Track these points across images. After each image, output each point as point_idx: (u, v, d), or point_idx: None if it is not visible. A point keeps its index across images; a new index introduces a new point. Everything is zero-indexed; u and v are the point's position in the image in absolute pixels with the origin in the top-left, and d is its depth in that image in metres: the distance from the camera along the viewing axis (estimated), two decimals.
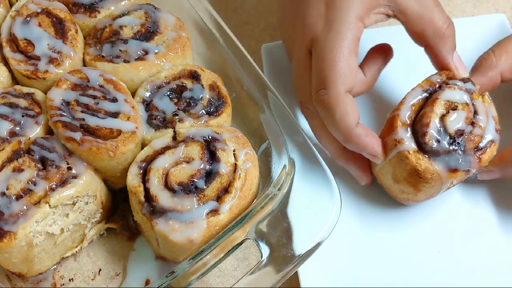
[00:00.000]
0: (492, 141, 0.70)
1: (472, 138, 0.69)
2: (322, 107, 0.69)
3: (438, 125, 0.68)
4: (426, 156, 0.68)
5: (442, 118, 0.69)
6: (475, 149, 0.69)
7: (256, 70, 0.74)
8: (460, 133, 0.68)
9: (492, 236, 0.75)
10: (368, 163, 0.75)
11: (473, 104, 0.71)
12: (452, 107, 0.70)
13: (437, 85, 0.72)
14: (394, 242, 0.75)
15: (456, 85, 0.71)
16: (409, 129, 0.69)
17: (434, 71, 0.76)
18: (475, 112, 0.70)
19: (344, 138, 0.69)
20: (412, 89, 0.73)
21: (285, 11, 0.81)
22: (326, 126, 0.71)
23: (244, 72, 0.75)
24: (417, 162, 0.68)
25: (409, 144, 0.68)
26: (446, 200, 0.78)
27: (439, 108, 0.69)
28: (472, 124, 0.69)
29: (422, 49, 0.75)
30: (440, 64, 0.75)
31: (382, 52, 0.78)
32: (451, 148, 0.68)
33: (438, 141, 0.68)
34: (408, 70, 0.83)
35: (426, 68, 0.76)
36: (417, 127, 0.70)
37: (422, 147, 0.69)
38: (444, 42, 0.73)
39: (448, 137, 0.68)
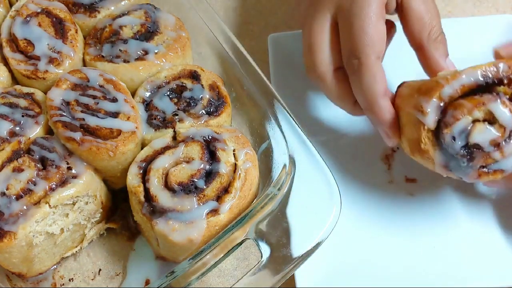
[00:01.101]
0: (502, 170, 0.65)
1: (487, 158, 0.64)
2: (353, 73, 0.70)
3: (465, 127, 0.63)
4: (435, 141, 0.65)
5: (474, 122, 0.64)
6: (481, 166, 0.65)
7: (256, 70, 0.74)
8: (478, 147, 0.64)
9: (489, 234, 0.75)
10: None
11: None
12: (490, 120, 0.64)
13: (500, 75, 0.64)
14: (390, 242, 0.75)
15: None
16: (441, 105, 0.64)
17: None
18: (509, 138, 0.64)
19: (367, 105, 0.70)
20: (472, 68, 0.64)
21: None
22: (344, 93, 0.73)
23: (244, 72, 0.75)
24: (424, 138, 0.65)
25: (430, 120, 0.64)
26: (446, 200, 0.78)
27: (479, 112, 0.63)
28: (497, 146, 0.64)
29: None
30: (431, 68, 0.73)
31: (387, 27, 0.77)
32: (460, 153, 0.64)
33: (454, 139, 0.63)
34: (409, 68, 0.83)
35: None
36: (447, 111, 0.64)
37: (437, 131, 0.65)
38: (438, 46, 0.72)
39: (464, 143, 0.63)
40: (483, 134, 0.63)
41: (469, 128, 0.63)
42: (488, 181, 0.68)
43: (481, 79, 0.63)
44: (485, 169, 0.64)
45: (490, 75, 0.64)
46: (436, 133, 0.65)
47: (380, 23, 0.69)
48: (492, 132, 0.63)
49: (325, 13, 0.74)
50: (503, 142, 0.64)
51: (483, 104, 0.63)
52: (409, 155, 0.70)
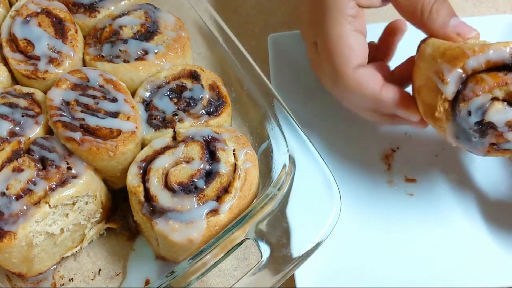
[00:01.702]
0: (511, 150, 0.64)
1: (499, 138, 0.62)
2: (340, 95, 0.73)
3: (483, 104, 0.61)
4: (451, 111, 0.63)
5: (493, 100, 0.61)
6: (492, 143, 0.63)
7: (256, 70, 0.74)
8: (492, 126, 0.62)
9: (488, 234, 0.75)
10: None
11: None
12: (510, 100, 0.61)
13: None
14: (389, 242, 0.75)
15: None
16: (463, 76, 0.62)
17: None
18: None
19: (375, 106, 0.71)
20: (502, 44, 0.61)
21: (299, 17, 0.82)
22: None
23: (244, 72, 0.75)
24: (439, 107, 0.63)
25: (449, 90, 0.62)
26: (446, 200, 0.78)
27: (499, 91, 0.61)
28: (511, 127, 0.62)
29: None
30: (441, 38, 0.70)
31: (396, 26, 0.78)
32: (473, 128, 0.62)
33: (469, 114, 0.61)
34: None
35: None
36: (468, 84, 0.62)
37: (454, 101, 0.63)
38: (435, 16, 0.69)
39: (480, 119, 0.61)
40: (500, 114, 0.61)
41: (487, 105, 0.61)
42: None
43: (509, 57, 0.61)
44: (495, 146, 0.63)
45: None
46: (453, 103, 0.63)
47: (352, 37, 0.70)
48: (510, 113, 0.61)
49: (309, 42, 0.77)
50: None
51: (505, 83, 0.61)
52: (422, 115, 0.68)
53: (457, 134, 0.64)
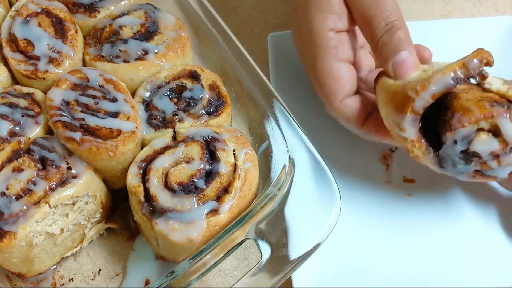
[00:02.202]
0: (495, 177, 0.64)
1: (483, 166, 0.63)
2: (334, 117, 0.76)
3: (469, 133, 0.61)
4: (427, 146, 0.64)
5: (478, 130, 0.62)
6: (477, 171, 0.64)
7: (256, 70, 0.74)
8: (477, 155, 0.62)
9: (488, 234, 0.75)
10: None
11: None
12: (495, 131, 0.62)
13: (473, 73, 0.61)
14: (388, 242, 0.75)
15: None
16: (417, 117, 0.63)
17: None
18: (510, 150, 0.62)
19: (358, 134, 0.75)
20: (440, 72, 0.62)
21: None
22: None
23: (244, 72, 0.75)
24: (410, 148, 0.65)
25: (410, 134, 0.63)
26: (444, 200, 0.78)
27: (486, 123, 0.61)
28: (495, 156, 0.62)
29: (438, 47, 0.76)
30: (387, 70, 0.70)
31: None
32: (458, 156, 0.63)
33: (455, 142, 0.62)
34: None
35: None
36: (454, 114, 0.62)
37: (426, 132, 0.64)
38: (380, 49, 0.69)
39: (465, 148, 0.62)
40: (485, 145, 0.61)
41: (472, 136, 0.62)
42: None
43: (452, 82, 0.61)
44: (479, 172, 0.64)
45: (462, 76, 0.61)
46: (427, 134, 0.64)
47: (335, 68, 0.72)
48: (494, 145, 0.61)
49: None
50: (503, 155, 0.62)
51: (491, 116, 0.61)
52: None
53: (440, 163, 0.64)
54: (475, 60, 0.61)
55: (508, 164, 0.63)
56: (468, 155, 0.63)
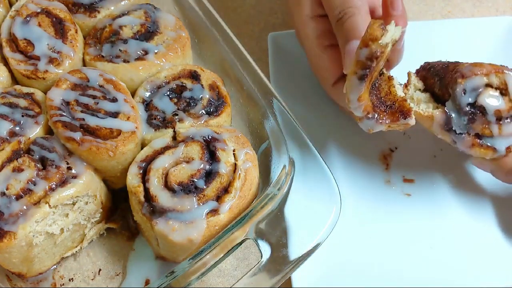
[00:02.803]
0: (494, 148, 0.67)
1: (486, 127, 0.65)
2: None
3: (479, 86, 0.64)
4: (435, 100, 0.67)
5: (486, 86, 0.65)
6: (477, 135, 0.67)
7: (256, 70, 0.74)
8: (483, 111, 0.65)
9: (486, 234, 0.75)
10: None
11: None
12: (503, 91, 0.65)
13: (369, 64, 0.60)
14: (387, 242, 0.75)
15: None
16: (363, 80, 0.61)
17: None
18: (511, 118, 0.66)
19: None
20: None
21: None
22: None
23: (244, 72, 0.75)
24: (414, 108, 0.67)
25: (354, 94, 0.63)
26: (443, 200, 0.78)
27: (495, 77, 0.65)
28: (498, 119, 0.65)
29: (438, 47, 0.75)
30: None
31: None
32: (465, 108, 0.64)
33: (464, 92, 0.64)
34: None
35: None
36: (466, 65, 0.66)
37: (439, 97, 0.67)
38: (339, 28, 0.70)
39: (472, 101, 0.64)
40: (492, 99, 0.64)
41: (481, 90, 0.64)
42: (477, 161, 0.70)
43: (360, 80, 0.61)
44: (479, 140, 0.66)
45: (361, 71, 0.61)
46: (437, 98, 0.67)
47: (322, 57, 0.75)
48: (500, 101, 0.64)
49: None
50: (505, 120, 0.65)
51: (502, 72, 0.64)
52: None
53: (445, 121, 0.66)
54: (363, 50, 0.59)
55: (508, 135, 0.65)
56: (474, 111, 0.65)
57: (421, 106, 0.69)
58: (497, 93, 0.65)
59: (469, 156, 0.72)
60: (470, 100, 0.64)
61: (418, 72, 0.74)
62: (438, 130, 0.68)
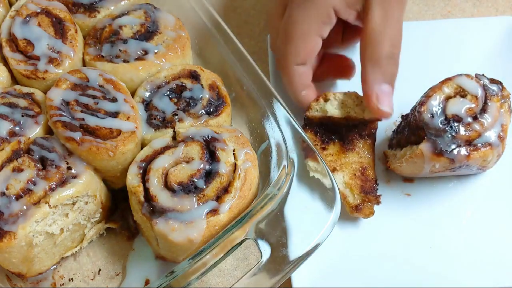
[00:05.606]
0: (489, 144, 0.69)
1: (468, 130, 0.68)
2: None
3: (439, 102, 0.69)
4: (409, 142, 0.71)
5: (446, 99, 0.70)
6: (467, 143, 0.69)
7: (256, 70, 0.74)
8: (457, 119, 0.68)
9: (485, 235, 0.75)
10: None
11: (485, 103, 0.70)
12: (461, 93, 0.70)
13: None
14: (386, 242, 0.75)
15: (476, 77, 0.71)
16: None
17: (451, 70, 0.74)
18: (484, 111, 0.70)
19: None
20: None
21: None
22: None
23: (244, 72, 0.75)
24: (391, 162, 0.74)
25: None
26: (443, 201, 0.78)
27: (448, 88, 0.70)
28: (475, 118, 0.69)
29: (438, 47, 0.76)
30: (363, 90, 0.73)
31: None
32: (442, 127, 0.68)
33: (432, 116, 0.69)
34: (424, 68, 0.84)
35: (443, 66, 0.76)
36: (420, 101, 0.71)
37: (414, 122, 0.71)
38: (374, 69, 0.71)
39: (443, 117, 0.69)
40: (458, 104, 0.69)
41: (443, 104, 0.69)
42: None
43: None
44: (472, 147, 0.68)
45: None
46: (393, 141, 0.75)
47: (311, 38, 0.75)
48: (466, 101, 0.69)
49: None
50: (479, 114, 0.69)
51: (449, 80, 0.70)
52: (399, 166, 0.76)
53: (434, 146, 0.68)
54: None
55: (490, 127, 0.69)
56: (450, 122, 0.68)
57: (407, 154, 0.72)
58: (457, 97, 0.70)
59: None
60: (441, 117, 0.69)
61: (390, 146, 0.80)
62: (432, 158, 0.69)
